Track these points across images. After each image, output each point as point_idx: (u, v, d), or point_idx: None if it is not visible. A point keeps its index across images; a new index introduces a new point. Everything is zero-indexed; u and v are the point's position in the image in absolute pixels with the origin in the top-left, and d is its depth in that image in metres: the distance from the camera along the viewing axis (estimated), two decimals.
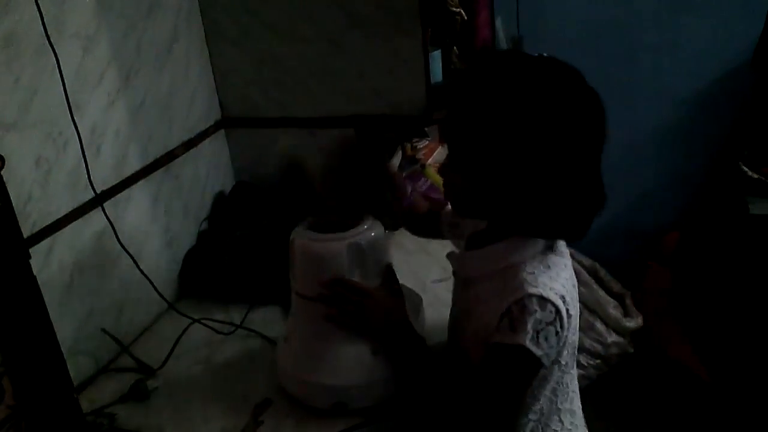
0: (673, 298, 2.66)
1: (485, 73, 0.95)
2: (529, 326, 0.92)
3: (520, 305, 0.93)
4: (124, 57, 1.47)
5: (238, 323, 1.51)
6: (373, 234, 1.18)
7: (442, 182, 1.05)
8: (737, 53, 2.40)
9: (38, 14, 1.19)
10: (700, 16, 2.41)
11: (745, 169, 2.20)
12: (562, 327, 0.94)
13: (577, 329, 1.03)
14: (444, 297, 1.37)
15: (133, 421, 1.27)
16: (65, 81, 1.25)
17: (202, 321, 1.51)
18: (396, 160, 1.94)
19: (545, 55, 0.97)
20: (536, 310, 0.92)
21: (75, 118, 1.28)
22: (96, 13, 1.37)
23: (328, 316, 1.16)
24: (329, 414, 1.20)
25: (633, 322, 2.59)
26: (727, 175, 2.44)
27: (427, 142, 2.21)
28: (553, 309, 0.93)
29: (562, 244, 1.03)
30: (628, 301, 2.65)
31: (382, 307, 1.14)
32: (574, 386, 1.11)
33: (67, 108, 1.27)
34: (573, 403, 1.12)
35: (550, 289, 0.94)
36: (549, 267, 0.97)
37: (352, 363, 1.18)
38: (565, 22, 2.52)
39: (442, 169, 1.05)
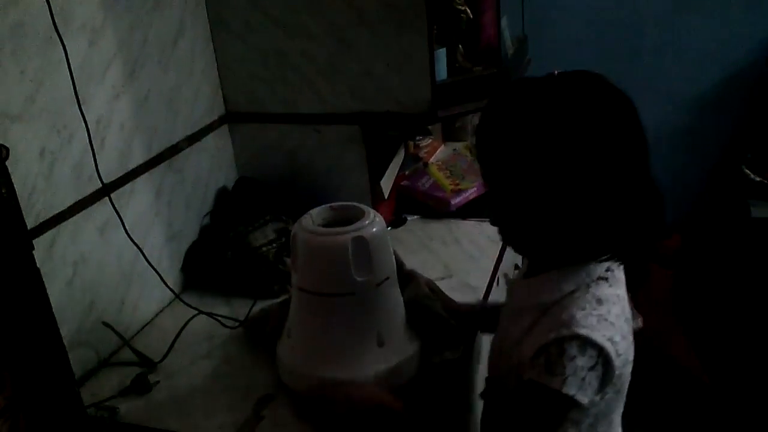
0: (674, 300, 2.66)
1: (516, 104, 0.92)
2: (568, 370, 0.87)
3: (560, 347, 0.88)
4: (130, 50, 1.47)
5: (241, 318, 1.51)
6: (375, 228, 1.18)
7: (491, 221, 1.01)
8: (742, 55, 2.40)
9: (46, 5, 1.19)
10: (704, 18, 2.41)
11: (748, 172, 2.20)
12: (607, 370, 0.90)
13: (630, 360, 0.98)
14: (447, 291, 1.37)
15: (135, 415, 1.27)
16: (72, 73, 1.25)
17: (213, 315, 1.50)
18: (398, 160, 1.95)
19: (557, 72, 0.94)
20: (575, 356, 0.87)
21: (80, 110, 1.28)
22: (103, 5, 1.37)
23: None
24: (332, 409, 1.20)
25: (633, 324, 2.59)
26: (729, 178, 2.44)
27: (430, 140, 2.21)
28: (595, 353, 0.88)
29: (617, 273, 0.98)
30: (629, 303, 2.65)
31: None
32: (618, 413, 1.06)
33: (75, 99, 1.27)
34: (615, 429, 1.07)
35: (598, 330, 0.89)
36: (601, 302, 0.92)
37: (355, 356, 1.18)
38: (569, 22, 2.52)
39: (494, 216, 1.00)
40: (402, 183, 2.02)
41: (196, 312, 1.49)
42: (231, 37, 1.76)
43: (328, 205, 1.27)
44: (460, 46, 1.85)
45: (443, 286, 1.44)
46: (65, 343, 1.03)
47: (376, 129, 1.79)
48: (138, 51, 1.49)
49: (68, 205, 1.32)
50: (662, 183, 2.99)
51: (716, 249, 2.55)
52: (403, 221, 1.95)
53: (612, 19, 2.48)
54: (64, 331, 1.16)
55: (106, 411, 1.27)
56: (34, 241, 1.07)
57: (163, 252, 1.62)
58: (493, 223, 1.00)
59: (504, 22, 2.04)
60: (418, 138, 2.15)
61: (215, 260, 1.65)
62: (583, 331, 0.88)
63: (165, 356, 1.41)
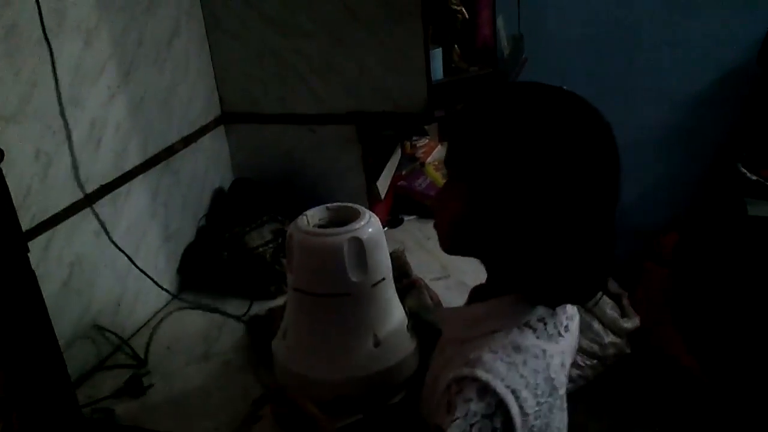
0: (671, 298, 2.66)
1: (502, 103, 0.86)
2: (458, 412, 0.80)
3: (459, 386, 0.82)
4: (125, 51, 1.46)
5: (237, 316, 1.51)
6: (371, 229, 1.17)
7: (435, 207, 0.94)
8: (737, 54, 2.40)
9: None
10: (700, 17, 2.41)
11: (744, 170, 2.20)
12: (506, 423, 0.81)
13: (552, 426, 0.90)
14: (443, 295, 1.37)
15: (130, 416, 1.27)
16: (65, 74, 1.25)
17: (219, 310, 1.49)
18: (394, 160, 1.94)
19: (564, 87, 0.86)
20: (471, 399, 0.80)
21: (74, 112, 1.28)
22: (96, 6, 1.37)
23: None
24: (328, 409, 1.20)
25: (630, 323, 2.59)
26: (725, 177, 2.45)
27: (426, 140, 2.21)
28: (494, 402, 0.80)
29: (550, 329, 0.90)
30: (626, 302, 2.66)
31: None
32: None
33: (58, 101, 1.27)
34: None
35: (502, 379, 0.81)
36: (519, 350, 0.84)
37: (351, 356, 1.18)
38: (565, 21, 2.52)
39: (439, 197, 0.93)
40: (398, 183, 2.01)
41: (194, 308, 1.49)
42: (226, 37, 1.76)
43: (324, 205, 1.27)
44: (455, 45, 1.85)
45: (440, 285, 1.44)
46: (61, 345, 1.03)
47: (372, 129, 1.79)
48: (133, 51, 1.49)
49: (63, 207, 1.32)
50: (659, 181, 2.99)
51: (713, 247, 2.55)
52: (400, 221, 1.95)
53: (608, 19, 2.48)
54: (60, 333, 1.16)
55: (103, 412, 1.27)
56: (29, 243, 1.07)
57: (160, 253, 1.62)
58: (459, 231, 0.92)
59: (500, 21, 2.04)
60: (414, 138, 2.15)
61: (212, 261, 1.65)
62: (483, 375, 0.81)
63: (147, 356, 1.40)
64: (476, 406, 0.80)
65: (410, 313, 1.29)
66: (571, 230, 0.81)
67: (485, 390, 0.80)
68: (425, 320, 1.27)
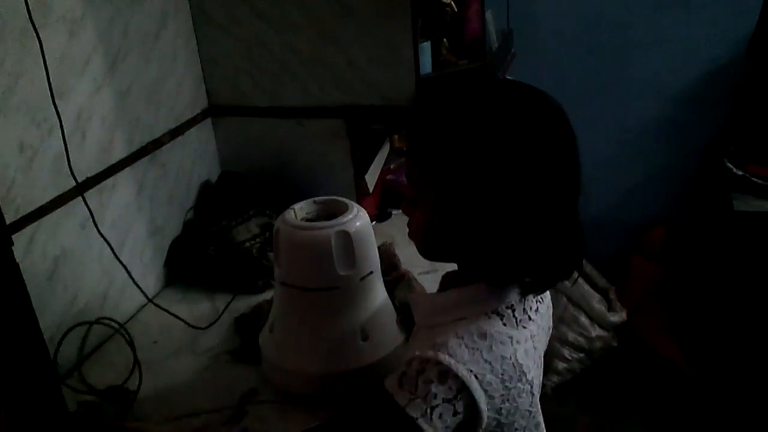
0: (658, 292, 2.68)
1: (449, 101, 0.86)
2: (419, 392, 0.81)
3: (422, 365, 0.82)
4: (111, 42, 1.45)
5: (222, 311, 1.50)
6: (359, 222, 1.17)
7: (407, 215, 0.94)
8: (726, 50, 2.42)
9: None
10: (690, 13, 2.42)
11: (730, 166, 2.21)
12: (469, 408, 0.82)
13: (521, 410, 0.89)
14: (431, 289, 1.37)
15: (117, 411, 1.26)
16: (50, 66, 1.23)
17: (179, 317, 1.49)
18: (383, 153, 1.94)
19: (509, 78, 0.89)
20: (432, 381, 0.81)
21: (60, 103, 1.26)
22: None
23: None
24: (316, 403, 1.20)
25: (617, 317, 2.61)
26: (712, 172, 2.46)
27: None
28: (455, 386, 0.80)
29: (519, 314, 0.89)
30: (613, 296, 2.67)
31: None
32: None
33: (50, 92, 1.25)
34: None
35: (464, 364, 0.81)
36: (484, 337, 0.84)
37: (338, 351, 1.18)
38: (555, 16, 2.52)
39: (405, 207, 0.93)
40: (387, 177, 2.01)
41: (181, 302, 1.48)
42: (214, 30, 1.74)
43: (311, 199, 1.26)
44: (444, 39, 1.85)
45: (428, 279, 1.44)
46: (46, 339, 1.02)
47: (360, 122, 1.78)
48: (119, 43, 1.47)
49: (48, 199, 1.31)
50: (647, 176, 3.00)
51: (700, 242, 2.57)
52: (388, 215, 1.95)
53: (597, 14, 2.48)
54: (46, 327, 1.15)
55: (89, 407, 1.26)
56: (13, 236, 1.06)
57: (146, 247, 1.61)
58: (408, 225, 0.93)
59: (489, 15, 2.04)
60: (403, 132, 2.15)
61: (198, 255, 1.64)
62: (445, 359, 0.81)
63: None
64: (437, 389, 0.81)
65: (399, 306, 1.28)
66: (536, 216, 0.82)
67: (446, 374, 0.81)
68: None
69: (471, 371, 0.81)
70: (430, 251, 0.93)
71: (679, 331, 2.63)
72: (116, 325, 1.45)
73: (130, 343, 1.39)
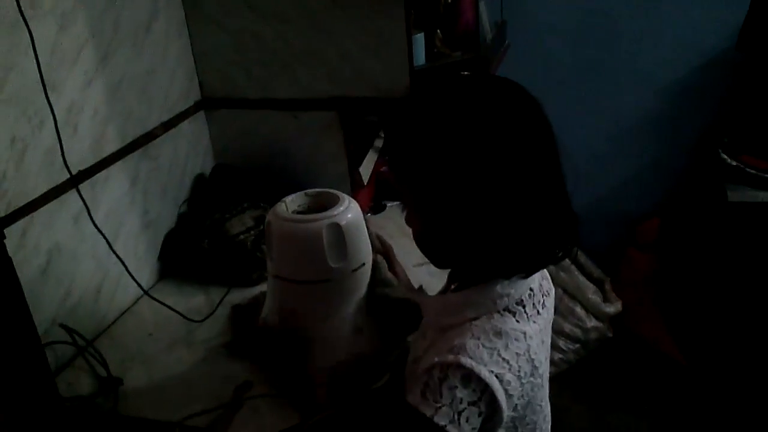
0: (652, 283, 2.69)
1: (420, 107, 0.87)
2: (444, 399, 0.81)
3: (443, 372, 0.83)
4: (102, 35, 1.44)
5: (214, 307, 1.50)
6: (351, 215, 1.17)
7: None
8: (719, 41, 2.41)
9: None
10: (681, 4, 2.41)
11: (725, 156, 2.22)
12: (491, 407, 0.83)
13: (535, 404, 0.92)
14: (425, 281, 1.37)
15: (111, 404, 1.26)
16: (41, 58, 1.23)
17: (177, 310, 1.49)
18: (377, 145, 1.94)
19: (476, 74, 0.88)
20: (456, 386, 0.81)
21: (51, 96, 1.26)
22: None
23: None
24: (310, 396, 1.20)
25: (612, 308, 2.62)
26: (706, 163, 2.47)
27: None
28: (479, 388, 0.82)
29: (529, 309, 0.91)
30: (608, 287, 2.68)
31: None
32: None
33: (42, 85, 1.25)
34: None
35: (485, 365, 0.82)
36: (499, 335, 0.86)
37: (332, 343, 1.18)
38: (548, 7, 2.51)
39: (407, 219, 0.94)
40: (381, 169, 2.01)
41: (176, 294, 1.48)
42: (206, 22, 1.73)
43: (303, 191, 1.26)
44: (438, 30, 1.84)
45: (423, 271, 1.44)
46: (40, 332, 1.02)
47: (354, 115, 1.78)
48: (110, 35, 1.46)
49: (41, 193, 1.30)
50: (641, 168, 3.00)
51: (694, 233, 2.58)
52: (383, 207, 1.95)
53: (591, 5, 2.47)
54: (39, 321, 1.15)
55: (83, 401, 1.26)
56: (5, 230, 1.05)
57: (140, 240, 1.60)
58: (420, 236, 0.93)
59: (482, 7, 2.03)
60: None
61: (192, 249, 1.64)
62: (467, 362, 0.82)
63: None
64: (461, 393, 0.81)
65: (379, 298, 1.26)
66: (520, 203, 0.82)
67: (470, 377, 0.82)
68: (395, 299, 1.24)
69: (492, 372, 0.83)
70: (436, 259, 0.94)
71: (674, 322, 2.64)
72: (83, 343, 1.39)
73: (103, 363, 1.35)
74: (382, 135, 1.95)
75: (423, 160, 0.83)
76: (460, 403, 0.81)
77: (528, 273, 0.90)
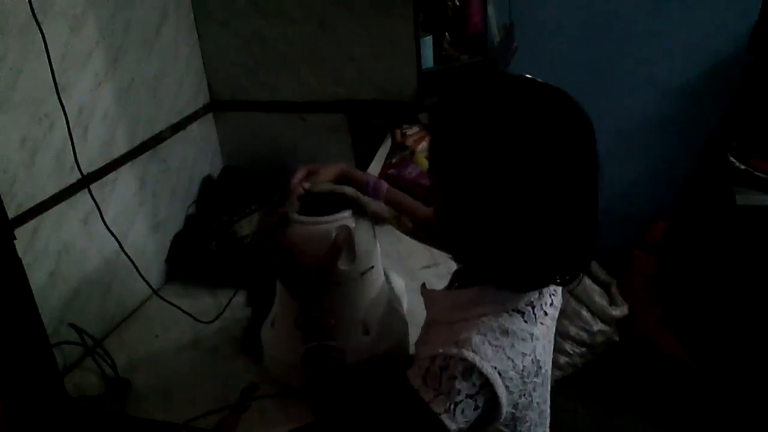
0: (659, 287, 2.68)
1: (468, 100, 0.86)
2: (443, 388, 0.83)
3: (446, 362, 0.84)
4: (112, 38, 1.45)
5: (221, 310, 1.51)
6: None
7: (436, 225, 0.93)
8: (727, 44, 2.41)
9: None
10: (691, 7, 2.41)
11: (733, 159, 2.21)
12: (489, 402, 0.84)
13: (535, 405, 0.93)
14: (433, 284, 1.36)
15: (119, 405, 1.26)
16: (52, 61, 1.23)
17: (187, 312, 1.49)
18: (384, 148, 1.94)
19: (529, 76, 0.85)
20: (456, 377, 0.82)
21: (62, 98, 1.27)
22: None
23: None
24: (320, 396, 1.20)
25: (618, 311, 2.61)
26: (714, 166, 2.46)
27: (417, 129, 2.20)
28: (479, 382, 0.83)
29: (538, 311, 0.91)
30: (614, 290, 2.67)
31: None
32: None
33: (54, 87, 1.25)
34: None
35: (488, 361, 0.83)
36: (506, 334, 0.86)
37: (341, 345, 1.18)
38: (556, 10, 2.51)
39: (428, 192, 0.94)
40: (389, 172, 2.01)
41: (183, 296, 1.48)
42: (215, 25, 1.74)
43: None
44: (446, 33, 1.84)
45: (429, 273, 1.44)
46: (48, 333, 1.02)
47: (362, 117, 1.78)
48: (121, 38, 1.47)
49: (50, 194, 1.31)
50: (648, 170, 2.97)
51: (701, 236, 2.57)
52: None
53: (598, 7, 2.47)
54: (48, 321, 1.16)
55: (90, 401, 1.27)
56: (15, 231, 1.06)
57: (148, 242, 1.61)
58: (437, 225, 0.92)
59: (491, 9, 2.03)
60: (404, 126, 2.14)
61: (200, 250, 1.65)
62: (470, 356, 0.83)
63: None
64: (460, 385, 0.83)
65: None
66: (549, 221, 0.81)
67: (471, 370, 0.83)
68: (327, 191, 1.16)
69: (495, 368, 0.83)
70: (449, 243, 0.92)
71: (681, 325, 2.63)
72: (91, 344, 1.40)
73: (111, 364, 1.36)
74: (388, 139, 1.96)
75: (466, 153, 0.82)
76: (458, 394, 0.83)
77: (527, 289, 0.90)
